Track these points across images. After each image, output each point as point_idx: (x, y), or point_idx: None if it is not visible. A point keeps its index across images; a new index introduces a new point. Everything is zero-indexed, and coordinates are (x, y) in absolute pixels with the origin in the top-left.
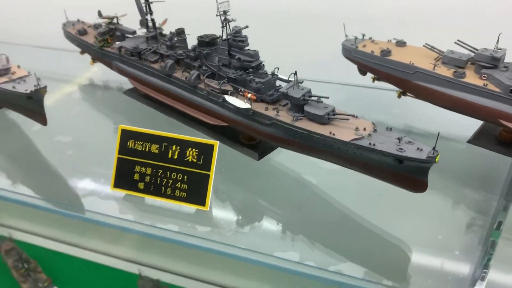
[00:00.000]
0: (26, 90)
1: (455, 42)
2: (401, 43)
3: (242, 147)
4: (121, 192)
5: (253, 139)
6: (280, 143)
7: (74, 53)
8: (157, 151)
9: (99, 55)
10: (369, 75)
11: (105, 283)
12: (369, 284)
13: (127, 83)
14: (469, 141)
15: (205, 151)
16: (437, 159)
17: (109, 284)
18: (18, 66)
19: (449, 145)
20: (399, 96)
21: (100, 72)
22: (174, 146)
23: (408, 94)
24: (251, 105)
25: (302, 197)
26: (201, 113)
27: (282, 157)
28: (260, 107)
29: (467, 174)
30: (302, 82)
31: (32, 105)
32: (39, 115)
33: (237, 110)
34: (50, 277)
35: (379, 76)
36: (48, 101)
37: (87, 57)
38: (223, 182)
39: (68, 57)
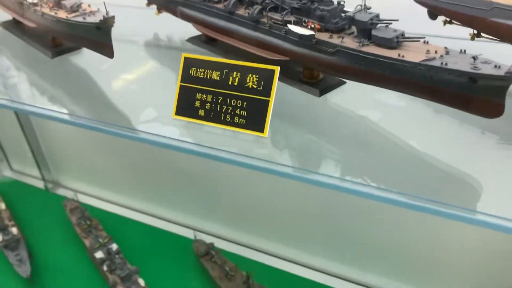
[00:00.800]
0: (95, 21)
1: None
2: None
3: (303, 85)
4: (183, 120)
5: (314, 77)
6: (344, 73)
7: (139, 9)
8: (218, 78)
9: (164, 2)
10: (440, 20)
11: (162, 245)
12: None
13: (190, 33)
14: None
15: (266, 77)
16: None
17: (165, 246)
18: (89, 5)
19: None
20: (472, 38)
21: (165, 23)
22: (234, 73)
23: (483, 35)
24: (314, 32)
25: (365, 134)
26: (262, 50)
27: (342, 97)
28: (324, 36)
29: None
30: (370, 8)
31: (100, 36)
32: (107, 47)
33: (299, 41)
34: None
35: (451, 17)
36: (114, 47)
37: (152, 11)
38: (280, 118)
39: (133, 12)
